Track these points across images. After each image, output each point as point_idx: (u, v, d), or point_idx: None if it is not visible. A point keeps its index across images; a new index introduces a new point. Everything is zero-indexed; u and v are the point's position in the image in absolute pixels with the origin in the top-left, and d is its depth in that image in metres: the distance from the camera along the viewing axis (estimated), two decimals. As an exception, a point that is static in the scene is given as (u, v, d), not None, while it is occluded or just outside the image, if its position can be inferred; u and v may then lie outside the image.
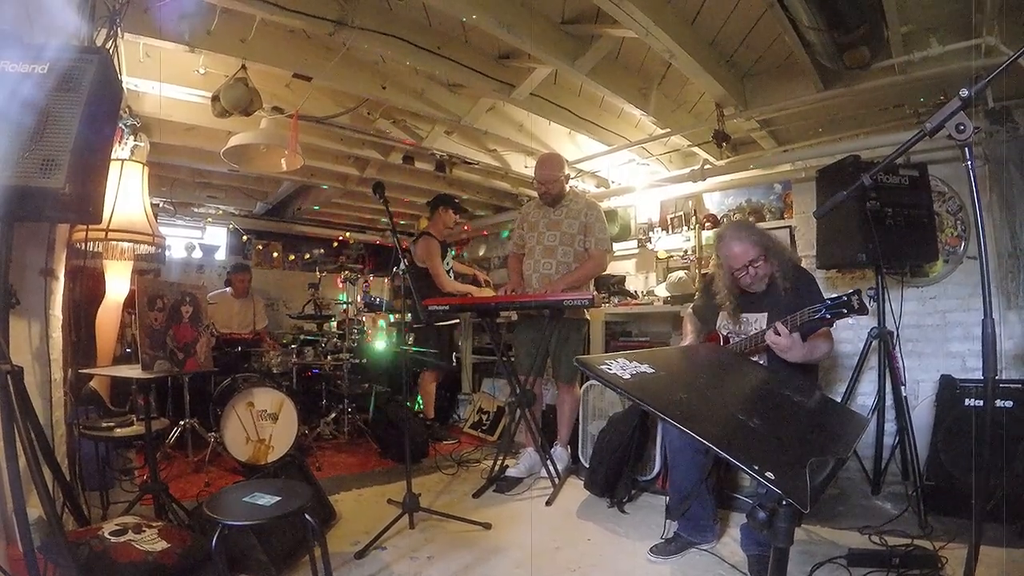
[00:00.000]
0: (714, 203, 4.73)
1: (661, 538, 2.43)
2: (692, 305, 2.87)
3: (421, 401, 4.60)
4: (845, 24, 2.52)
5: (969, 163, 1.20)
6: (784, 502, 0.95)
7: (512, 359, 3.69)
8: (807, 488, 0.94)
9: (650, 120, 3.73)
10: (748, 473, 0.95)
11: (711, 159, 4.25)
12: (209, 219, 6.24)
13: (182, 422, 3.61)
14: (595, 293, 3.52)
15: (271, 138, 3.21)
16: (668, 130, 3.88)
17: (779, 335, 2.08)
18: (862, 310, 1.87)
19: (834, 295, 1.96)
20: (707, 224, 4.56)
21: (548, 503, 3.04)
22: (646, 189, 4.80)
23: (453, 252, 5.04)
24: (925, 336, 3.44)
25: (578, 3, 2.79)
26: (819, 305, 1.98)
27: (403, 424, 3.58)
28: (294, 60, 2.95)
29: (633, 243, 5.14)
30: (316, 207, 6.15)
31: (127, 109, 2.97)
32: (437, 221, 4.58)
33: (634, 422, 3.05)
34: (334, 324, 5.06)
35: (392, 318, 5.48)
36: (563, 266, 3.52)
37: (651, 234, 4.97)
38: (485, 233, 6.64)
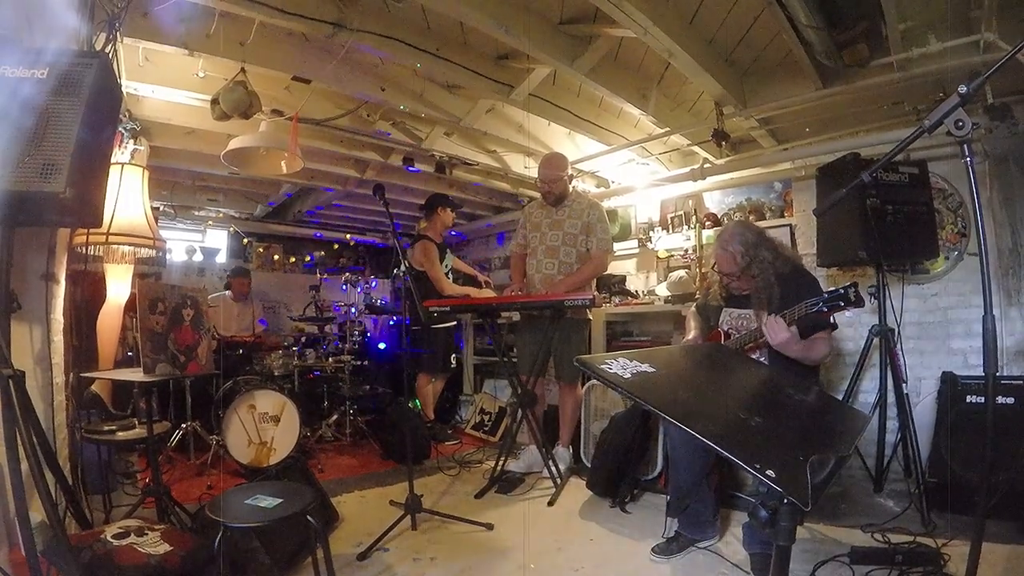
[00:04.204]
0: (714, 202, 4.73)
1: (663, 537, 2.43)
2: (695, 303, 2.88)
3: (419, 403, 4.60)
4: (843, 22, 2.53)
5: (968, 159, 1.19)
6: (786, 500, 0.95)
7: (514, 360, 3.69)
8: (808, 486, 0.94)
9: (649, 119, 3.72)
10: (749, 472, 0.94)
11: (711, 158, 4.25)
12: (209, 222, 6.25)
13: (184, 425, 3.62)
14: (596, 293, 3.52)
15: (271, 141, 3.22)
16: (667, 129, 3.88)
17: (776, 327, 2.09)
18: (858, 302, 1.87)
19: (831, 289, 1.97)
20: (707, 223, 4.56)
21: (550, 503, 3.04)
22: (646, 188, 4.81)
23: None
24: (926, 333, 3.43)
25: (576, 3, 2.78)
26: (816, 299, 1.98)
27: (404, 425, 3.58)
28: (293, 63, 2.95)
29: (633, 243, 5.13)
30: (317, 209, 6.15)
31: (127, 113, 2.98)
32: (435, 222, 4.57)
33: (636, 422, 3.05)
34: (335, 326, 5.06)
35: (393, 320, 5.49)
36: (565, 266, 3.52)
37: (651, 233, 4.96)
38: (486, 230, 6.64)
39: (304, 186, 5.33)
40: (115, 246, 2.63)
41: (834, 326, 2.24)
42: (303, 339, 4.85)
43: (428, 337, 4.48)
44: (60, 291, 2.17)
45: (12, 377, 1.42)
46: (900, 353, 2.91)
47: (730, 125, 3.69)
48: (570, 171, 3.68)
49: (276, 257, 7.00)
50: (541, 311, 3.38)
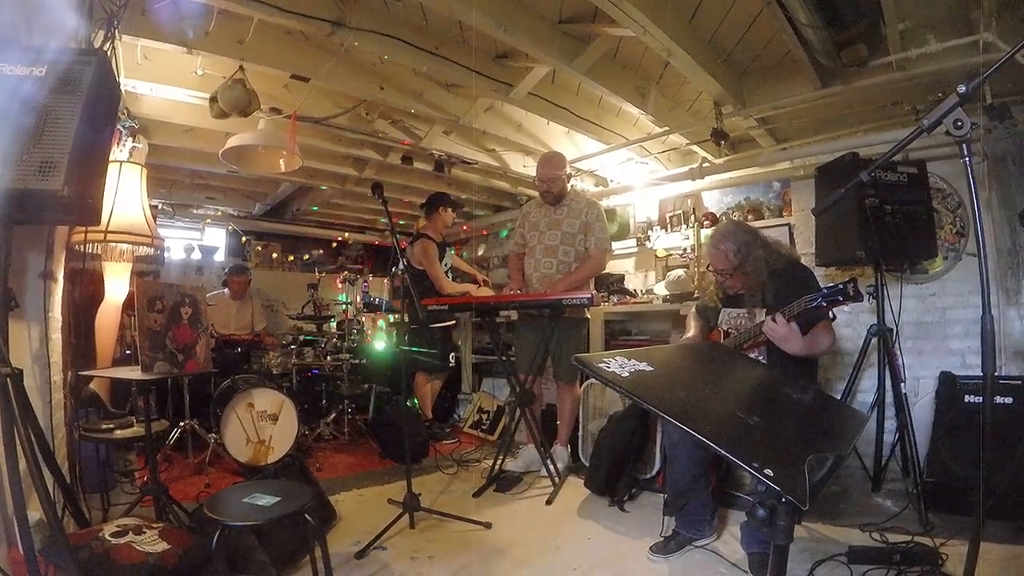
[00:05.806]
0: (713, 201, 4.73)
1: (661, 536, 2.43)
2: (696, 305, 2.88)
3: (417, 402, 4.59)
4: (843, 21, 2.52)
5: (967, 159, 1.19)
6: (783, 499, 0.95)
7: (512, 358, 3.69)
8: (806, 485, 0.94)
9: (648, 119, 3.73)
10: (747, 470, 0.94)
11: (710, 157, 4.25)
12: (208, 220, 6.23)
13: (182, 423, 3.61)
14: (594, 292, 3.52)
15: (269, 139, 3.21)
16: (666, 129, 3.88)
17: (776, 324, 2.09)
18: (857, 296, 1.88)
19: (830, 284, 1.97)
20: (706, 222, 4.56)
21: (548, 502, 3.04)
22: (645, 188, 4.81)
23: (452, 250, 5.03)
24: (925, 333, 3.44)
25: (576, 2, 2.78)
26: (815, 294, 1.98)
27: (403, 424, 3.58)
28: (292, 61, 2.95)
29: (632, 242, 5.13)
30: (315, 208, 6.15)
31: (125, 111, 2.97)
32: (436, 221, 4.56)
33: (634, 421, 3.05)
34: (334, 325, 5.06)
35: (392, 318, 5.48)
36: (564, 265, 3.52)
37: (650, 233, 4.97)
38: (485, 232, 6.64)
39: (302, 184, 5.32)
40: (113, 244, 2.62)
41: (833, 317, 2.24)
42: (301, 338, 4.85)
43: (424, 335, 4.47)
44: (58, 289, 2.16)
45: (10, 375, 1.42)
46: (898, 353, 2.91)
47: (729, 124, 3.69)
48: (569, 170, 3.68)
49: (275, 255, 6.98)
50: (539, 310, 3.38)
